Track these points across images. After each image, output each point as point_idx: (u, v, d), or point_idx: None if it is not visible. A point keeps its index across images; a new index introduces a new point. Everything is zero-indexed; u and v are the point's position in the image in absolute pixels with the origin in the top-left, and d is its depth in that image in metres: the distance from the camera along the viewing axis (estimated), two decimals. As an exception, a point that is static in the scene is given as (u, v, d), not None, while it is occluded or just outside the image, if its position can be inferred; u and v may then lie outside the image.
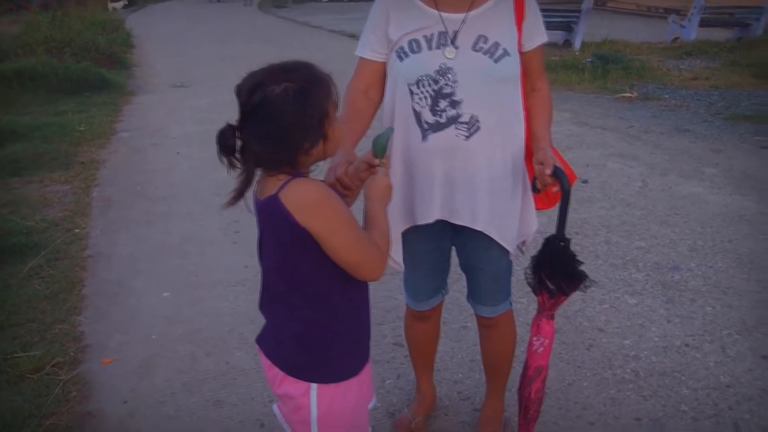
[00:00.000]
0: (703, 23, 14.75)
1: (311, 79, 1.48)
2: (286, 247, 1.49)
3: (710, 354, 3.06)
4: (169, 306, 3.54)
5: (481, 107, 1.97)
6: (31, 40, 11.63)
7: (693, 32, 14.48)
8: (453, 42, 1.98)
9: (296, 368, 1.60)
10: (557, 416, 2.65)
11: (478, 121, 1.98)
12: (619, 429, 2.58)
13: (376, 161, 1.68)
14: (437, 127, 1.99)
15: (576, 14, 13.82)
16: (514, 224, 2.13)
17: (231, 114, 1.52)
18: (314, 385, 1.59)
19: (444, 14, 2.00)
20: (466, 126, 1.98)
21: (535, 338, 2.12)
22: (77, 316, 3.40)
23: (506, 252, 2.15)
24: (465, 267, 2.30)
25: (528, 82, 2.10)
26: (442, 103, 1.97)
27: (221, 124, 1.47)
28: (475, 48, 1.97)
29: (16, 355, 3.00)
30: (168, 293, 3.68)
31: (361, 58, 2.13)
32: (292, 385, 1.60)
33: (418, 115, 2.01)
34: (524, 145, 2.10)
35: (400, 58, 2.02)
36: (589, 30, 13.88)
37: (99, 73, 10.07)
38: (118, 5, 29.81)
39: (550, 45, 13.26)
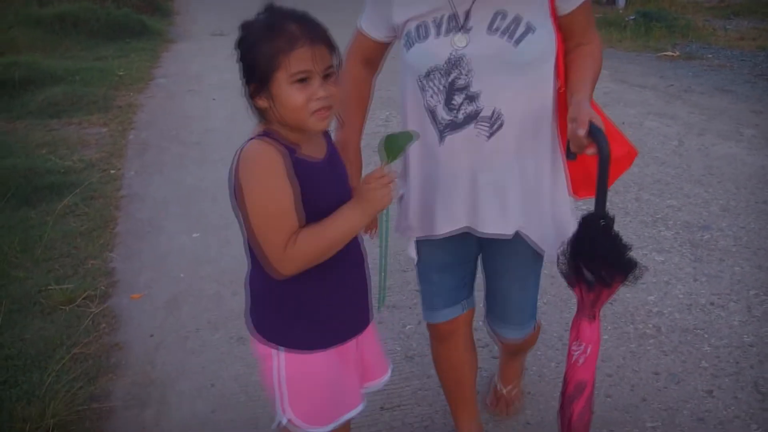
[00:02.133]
0: (756, -18, 14.22)
1: (276, 26, 1.39)
2: (233, 200, 1.46)
3: (735, 313, 3.04)
4: (198, 246, 3.63)
5: (503, 99, 1.67)
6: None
7: (743, -9, 13.96)
8: (465, 24, 1.65)
9: (256, 328, 1.56)
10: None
11: (501, 115, 1.68)
12: (636, 381, 2.60)
13: (384, 163, 1.45)
14: (454, 126, 1.71)
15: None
16: (554, 227, 1.85)
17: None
18: (275, 351, 1.53)
19: None
20: (487, 123, 1.69)
21: (574, 345, 1.70)
22: (109, 252, 3.50)
23: (540, 260, 1.89)
24: (490, 282, 2.02)
25: (571, 41, 1.76)
26: (458, 98, 1.68)
27: None
28: (491, 29, 1.64)
29: (50, 287, 3.11)
30: (197, 234, 3.77)
31: (360, 32, 1.88)
32: (257, 346, 1.57)
33: (432, 113, 1.74)
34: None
35: (407, 47, 1.74)
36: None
37: (140, 20, 10.13)
38: None
39: (592, 2, 13.03)
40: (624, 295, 3.17)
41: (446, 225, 1.84)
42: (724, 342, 2.83)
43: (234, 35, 1.43)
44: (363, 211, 1.43)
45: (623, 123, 5.77)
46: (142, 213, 4.03)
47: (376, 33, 1.85)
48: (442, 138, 1.74)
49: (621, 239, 1.63)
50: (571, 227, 1.72)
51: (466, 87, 1.67)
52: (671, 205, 4.18)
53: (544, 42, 1.68)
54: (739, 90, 6.97)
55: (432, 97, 1.72)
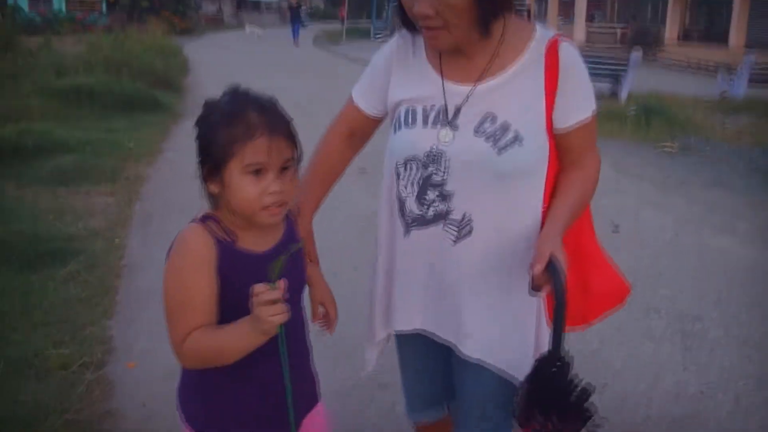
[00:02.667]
0: (753, 80, 14.66)
1: (235, 113, 1.36)
2: None
3: (724, 404, 3.05)
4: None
5: (476, 205, 1.58)
6: (92, 60, 12.13)
7: (742, 89, 14.37)
8: (453, 120, 1.58)
9: (181, 405, 1.54)
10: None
11: (471, 221, 1.59)
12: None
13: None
14: (422, 221, 1.63)
15: (624, 65, 13.87)
16: (522, 349, 1.67)
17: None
18: None
19: (447, 84, 1.61)
20: (455, 227, 1.60)
21: None
22: (108, 320, 3.54)
23: (509, 387, 1.66)
24: (457, 396, 1.84)
25: (567, 159, 1.64)
26: (431, 194, 1.60)
27: None
28: (477, 131, 1.56)
29: (46, 351, 3.14)
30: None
31: (351, 102, 1.82)
32: (181, 422, 1.54)
33: (402, 204, 1.66)
34: None
35: (394, 130, 1.68)
36: (638, 82, 13.86)
37: (152, 95, 10.44)
38: (258, 30, 30.96)
39: (596, 94, 13.24)
40: (614, 382, 3.19)
41: (403, 322, 1.76)
42: (712, 433, 2.84)
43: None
44: (253, 327, 1.28)
45: (620, 213, 5.89)
46: (142, 282, 4.09)
47: (367, 106, 1.79)
48: (408, 231, 1.67)
49: (576, 385, 1.53)
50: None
51: (441, 184, 1.59)
52: (664, 295, 4.23)
53: (531, 156, 1.57)
54: (735, 184, 7.13)
55: (405, 187, 1.65)
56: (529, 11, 35.66)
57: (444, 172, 1.58)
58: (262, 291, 1.24)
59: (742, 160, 8.33)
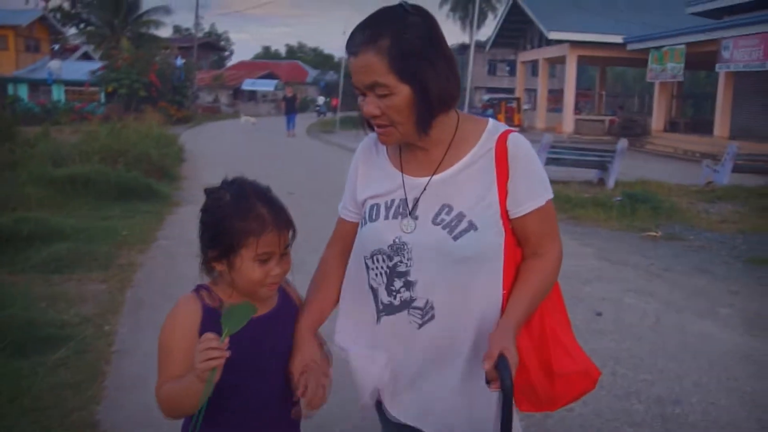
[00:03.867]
0: (737, 169, 15.03)
1: (246, 208, 1.59)
2: None
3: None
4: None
5: (437, 291, 1.67)
6: (89, 149, 12.47)
7: (726, 177, 14.72)
8: (413, 211, 1.70)
9: None
10: None
11: (432, 308, 1.68)
12: None
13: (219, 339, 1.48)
14: (391, 309, 1.73)
15: (611, 154, 14.27)
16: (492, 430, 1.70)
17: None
18: None
19: (407, 178, 1.74)
20: (419, 312, 1.69)
21: None
22: (96, 405, 3.59)
23: None
24: None
25: (527, 247, 1.75)
26: (397, 283, 1.70)
27: None
28: (435, 221, 1.68)
29: (35, 437, 3.18)
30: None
31: (339, 218, 1.94)
32: None
33: (375, 293, 1.76)
34: None
35: (361, 226, 1.81)
36: (626, 170, 14.22)
37: (148, 184, 10.67)
38: (252, 119, 31.77)
39: (583, 183, 13.83)
40: (594, 467, 3.24)
41: (391, 409, 1.80)
42: None
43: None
44: (192, 374, 1.49)
45: (603, 299, 6.01)
46: (131, 368, 4.15)
47: (349, 214, 1.89)
48: (378, 318, 1.76)
49: None
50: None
51: (405, 273, 1.69)
52: (645, 379, 4.30)
53: (486, 242, 1.67)
54: (717, 270, 7.28)
55: (375, 277, 1.74)
56: (518, 101, 36.78)
57: (408, 262, 1.69)
58: (203, 339, 1.46)
59: (724, 246, 8.53)
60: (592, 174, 14.42)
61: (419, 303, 1.69)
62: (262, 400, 1.69)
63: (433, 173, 1.72)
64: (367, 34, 1.60)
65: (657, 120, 27.42)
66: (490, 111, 36.08)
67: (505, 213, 1.70)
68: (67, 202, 9.18)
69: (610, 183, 13.77)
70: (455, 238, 1.65)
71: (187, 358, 1.53)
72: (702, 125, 25.44)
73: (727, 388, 4.19)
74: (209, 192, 1.64)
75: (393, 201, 1.74)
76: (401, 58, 1.57)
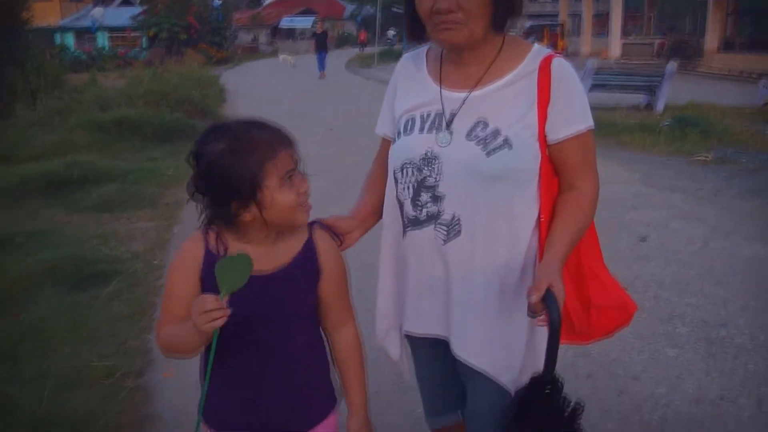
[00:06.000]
0: (798, 87, 14.41)
1: (247, 141, 1.47)
2: None
3: (745, 408, 3.09)
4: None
5: (465, 207, 1.65)
6: (133, 93, 12.61)
7: (786, 97, 14.12)
8: (449, 126, 1.68)
9: None
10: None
11: (459, 222, 1.66)
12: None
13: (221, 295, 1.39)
14: (416, 223, 1.71)
15: (659, 77, 13.83)
16: (512, 353, 1.71)
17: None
18: None
19: (445, 91, 1.72)
20: (445, 227, 1.67)
21: None
22: (147, 334, 3.74)
23: (501, 396, 1.72)
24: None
25: (564, 178, 1.71)
26: (424, 196, 1.69)
27: None
28: (469, 136, 1.65)
29: (93, 363, 3.35)
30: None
31: (380, 137, 1.94)
32: None
33: (401, 207, 1.75)
34: (535, 256, 1.70)
35: (394, 140, 1.80)
36: (676, 94, 13.69)
37: (191, 124, 10.77)
38: (290, 58, 31.52)
39: (630, 108, 13.46)
40: (633, 387, 3.26)
41: (414, 324, 1.82)
42: (731, 435, 2.88)
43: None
44: (195, 328, 1.39)
45: (649, 224, 5.93)
46: (180, 300, 4.29)
47: (389, 130, 1.87)
48: (404, 233, 1.75)
49: (565, 409, 1.63)
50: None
51: (433, 187, 1.67)
52: (689, 303, 4.27)
53: (520, 160, 1.64)
54: (769, 193, 7.09)
55: (403, 190, 1.73)
56: (562, 26, 35.72)
57: (437, 175, 1.66)
58: (201, 301, 1.37)
59: (778, 169, 8.28)
60: (639, 99, 14.01)
61: (445, 218, 1.67)
62: (286, 359, 1.60)
63: (473, 88, 1.69)
64: None
65: (711, 40, 26.29)
66: (532, 38, 35.25)
67: (543, 137, 1.66)
68: (114, 146, 9.37)
69: (659, 107, 13.33)
70: (488, 155, 1.62)
71: (186, 302, 1.47)
72: (761, 43, 24.12)
73: (771, 309, 4.14)
74: (198, 155, 1.49)
75: (429, 114, 1.72)
76: None
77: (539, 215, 1.69)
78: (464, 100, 1.68)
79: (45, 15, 32.12)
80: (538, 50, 1.72)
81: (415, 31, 1.73)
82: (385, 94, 1.90)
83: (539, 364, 1.63)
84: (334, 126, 9.81)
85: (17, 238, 5.17)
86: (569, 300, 1.68)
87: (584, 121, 1.68)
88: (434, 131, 1.69)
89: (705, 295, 4.39)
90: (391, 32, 46.97)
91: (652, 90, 13.84)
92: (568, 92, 1.66)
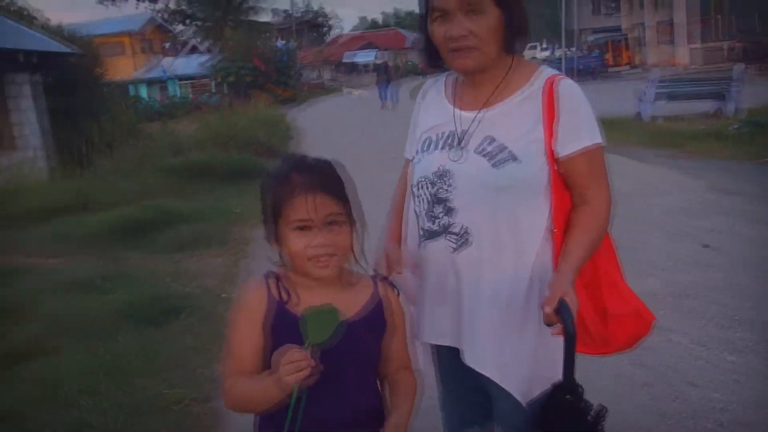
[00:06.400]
0: None
1: (285, 177, 1.51)
2: None
3: (805, 410, 3.05)
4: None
5: (474, 218, 1.75)
6: (203, 137, 13.17)
7: None
8: (461, 143, 1.80)
9: None
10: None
11: (468, 233, 1.75)
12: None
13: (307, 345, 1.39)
14: (431, 234, 1.81)
15: (727, 82, 13.52)
16: (521, 362, 1.76)
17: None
18: None
19: (458, 111, 1.84)
20: (455, 237, 1.77)
21: None
22: (215, 363, 3.94)
23: (523, 413, 1.77)
24: None
25: (575, 192, 1.79)
26: (437, 209, 1.79)
27: None
28: (477, 150, 1.76)
29: (164, 391, 3.57)
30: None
31: (406, 160, 2.03)
32: None
33: (418, 220, 1.86)
34: (544, 268, 1.76)
35: (415, 158, 1.92)
36: (749, 98, 13.22)
37: (257, 163, 11.18)
38: (355, 92, 31.86)
39: (699, 115, 13.12)
40: (689, 392, 3.25)
41: (429, 335, 1.88)
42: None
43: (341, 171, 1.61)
44: (274, 382, 1.39)
45: (712, 230, 5.84)
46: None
47: (411, 153, 1.98)
48: (420, 244, 1.84)
49: (587, 414, 1.68)
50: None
51: (446, 200, 1.77)
52: (751, 307, 4.20)
53: (527, 172, 1.72)
54: (841, 193, 6.87)
55: (419, 204, 1.84)
56: (626, 39, 35.20)
57: (449, 189, 1.77)
58: (288, 354, 1.35)
59: None
60: (709, 106, 13.69)
61: (456, 228, 1.76)
62: (333, 408, 1.56)
63: (483, 107, 1.80)
64: None
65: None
66: (596, 52, 34.81)
67: (551, 153, 1.74)
68: (186, 188, 9.80)
69: (729, 111, 13.04)
70: (495, 166, 1.72)
71: (251, 355, 1.49)
72: None
73: (839, 310, 4.04)
74: (267, 171, 1.58)
75: (444, 133, 1.84)
76: None
77: (552, 228, 1.77)
78: (475, 119, 1.80)
79: (120, 69, 33.78)
80: (544, 71, 1.83)
81: (432, 59, 1.87)
82: (412, 119, 2.03)
83: (553, 374, 1.68)
84: (396, 154, 9.98)
85: (97, 281, 5.50)
86: (585, 310, 1.75)
87: (591, 138, 1.76)
88: (447, 148, 1.81)
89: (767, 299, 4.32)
90: None
91: (721, 95, 13.53)
92: (572, 110, 1.75)
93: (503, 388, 1.77)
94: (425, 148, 1.87)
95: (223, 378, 1.53)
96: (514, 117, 1.77)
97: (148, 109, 30.11)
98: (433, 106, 1.94)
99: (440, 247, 1.79)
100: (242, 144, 12.72)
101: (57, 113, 12.91)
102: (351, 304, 1.57)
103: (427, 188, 1.81)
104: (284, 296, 1.53)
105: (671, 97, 13.59)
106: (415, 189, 1.86)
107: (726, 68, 14.92)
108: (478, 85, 1.84)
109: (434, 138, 1.86)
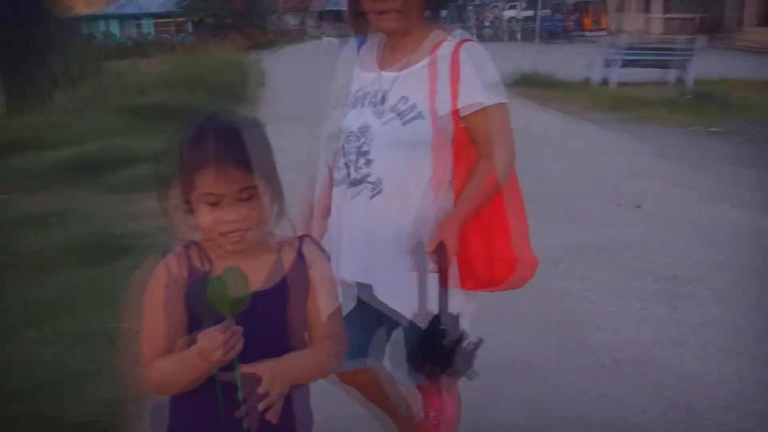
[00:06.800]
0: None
1: (197, 144, 1.35)
2: None
3: (692, 350, 3.38)
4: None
5: (387, 169, 1.96)
6: (172, 78, 13.10)
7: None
8: (382, 102, 2.00)
9: None
10: (528, 389, 3.07)
11: (381, 182, 1.97)
12: (579, 402, 2.99)
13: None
14: (354, 182, 2.02)
15: (688, 52, 13.82)
16: (425, 297, 1.98)
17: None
18: None
19: (381, 73, 2.05)
20: (372, 185, 1.98)
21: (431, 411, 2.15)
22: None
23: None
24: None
25: (478, 146, 1.99)
26: (361, 161, 2.00)
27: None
28: (393, 109, 1.97)
29: (110, 324, 3.76)
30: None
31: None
32: None
33: (347, 169, 2.04)
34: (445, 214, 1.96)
35: (341, 114, 2.09)
36: (710, 69, 13.71)
37: (223, 107, 11.20)
38: (334, 40, 31.50)
39: (661, 84, 13.42)
40: (593, 334, 3.57)
41: (346, 271, 2.05)
42: (677, 376, 3.15)
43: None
44: (199, 357, 1.29)
45: (647, 192, 6.14)
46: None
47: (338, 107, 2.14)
48: (346, 191, 2.04)
49: (461, 342, 1.92)
50: (457, 303, 1.97)
51: (366, 152, 1.99)
52: (666, 263, 4.52)
53: (431, 130, 1.93)
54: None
55: (348, 155, 2.03)
56: (605, 3, 35.13)
57: (369, 143, 1.99)
58: (210, 336, 1.26)
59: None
60: (671, 74, 13.97)
61: (372, 178, 1.98)
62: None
63: (401, 69, 2.01)
64: None
65: (749, 13, 25.80)
66: (576, 15, 34.85)
67: (455, 111, 1.95)
68: (150, 129, 9.83)
69: (688, 82, 13.37)
70: (404, 123, 1.95)
71: (173, 329, 1.38)
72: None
73: (745, 269, 4.40)
74: (183, 127, 1.42)
75: (369, 92, 2.04)
76: None
77: (452, 179, 1.98)
78: (394, 79, 2.01)
79: (89, 2, 32.90)
80: (456, 36, 2.04)
81: (358, 23, 2.08)
82: (334, 81, 2.19)
83: (453, 308, 1.94)
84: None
85: (50, 218, 5.54)
86: (474, 252, 2.00)
87: (491, 97, 1.95)
88: (371, 106, 2.02)
89: (685, 256, 4.64)
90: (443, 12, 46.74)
91: (683, 65, 13.82)
92: (474, 72, 1.94)
93: (406, 319, 2.00)
94: (351, 105, 2.07)
95: (143, 357, 1.39)
96: (425, 78, 1.96)
97: (121, 46, 29.53)
98: (358, 67, 2.13)
99: (360, 193, 2.01)
100: (212, 87, 12.68)
101: (14, 46, 12.58)
102: (267, 271, 1.46)
103: (354, 142, 2.01)
104: (206, 266, 1.43)
105: (636, 64, 13.86)
106: (344, 143, 2.05)
107: (688, 39, 15.17)
108: (399, 48, 2.05)
109: (360, 95, 2.06)
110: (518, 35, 33.73)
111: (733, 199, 5.89)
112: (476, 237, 2.01)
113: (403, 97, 1.97)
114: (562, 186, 6.43)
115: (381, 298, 2.02)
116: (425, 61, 1.99)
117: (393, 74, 2.02)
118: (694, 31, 27.47)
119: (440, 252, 1.86)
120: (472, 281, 2.01)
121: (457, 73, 1.94)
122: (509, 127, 2.01)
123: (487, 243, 2.04)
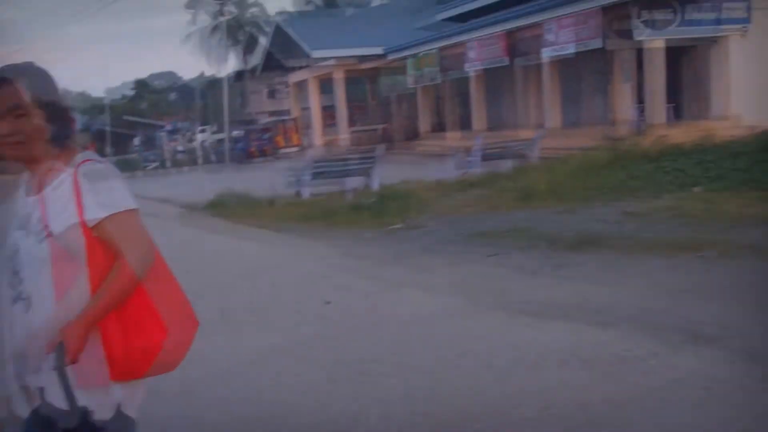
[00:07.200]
0: (486, 158, 16.60)
1: None
2: None
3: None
4: None
5: (32, 286, 2.15)
6: None
7: (478, 167, 16.20)
8: (27, 224, 2.20)
9: None
10: None
11: (30, 299, 2.15)
12: None
13: None
14: (15, 299, 2.19)
15: (371, 161, 15.42)
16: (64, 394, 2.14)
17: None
18: None
19: (27, 199, 2.26)
20: (25, 302, 2.16)
21: None
22: None
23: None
24: None
25: (113, 251, 2.16)
26: (16, 280, 2.18)
27: None
28: (32, 230, 2.17)
29: None
30: None
31: None
32: None
33: (10, 288, 2.20)
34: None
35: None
36: (393, 173, 15.32)
37: None
38: None
39: (351, 191, 14.77)
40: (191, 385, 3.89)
41: (30, 378, 2.19)
42: None
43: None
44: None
45: (336, 288, 6.75)
46: None
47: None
48: (14, 307, 2.19)
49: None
50: (106, 398, 2.17)
51: (18, 272, 2.17)
52: (355, 340, 5.06)
53: (63, 245, 2.13)
54: (443, 249, 8.37)
55: (7, 275, 2.20)
56: (295, 121, 37.46)
57: (19, 263, 2.18)
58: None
59: (453, 227, 9.76)
60: (357, 181, 15.39)
61: (24, 295, 2.16)
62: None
63: (39, 192, 2.22)
64: None
65: (423, 122, 29.71)
66: (270, 134, 36.75)
67: (83, 224, 2.14)
68: None
69: (374, 187, 14.76)
70: (39, 242, 2.14)
71: None
72: (467, 122, 27.50)
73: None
74: None
75: (21, 216, 2.24)
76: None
77: (89, 287, 2.16)
78: (34, 202, 2.21)
79: None
80: (80, 157, 2.25)
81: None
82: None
83: (92, 403, 2.15)
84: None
85: None
86: (114, 346, 2.17)
87: (112, 207, 2.16)
88: (21, 230, 2.21)
89: (364, 336, 5.23)
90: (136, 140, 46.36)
91: (367, 173, 15.35)
92: (92, 186, 2.16)
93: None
94: (15, 229, 2.24)
95: None
96: (55, 199, 2.18)
97: None
98: (26, 190, 2.32)
99: (19, 309, 2.18)
100: None
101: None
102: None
103: (9, 263, 2.20)
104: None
105: (326, 176, 15.16)
106: (6, 263, 2.22)
107: (370, 149, 17.03)
108: (37, 174, 2.29)
109: (18, 219, 2.25)
110: (212, 157, 34.84)
111: (413, 284, 6.82)
112: (116, 332, 2.18)
113: (38, 219, 2.17)
114: (260, 295, 6.88)
115: (48, 399, 2.17)
116: (55, 183, 2.21)
117: (33, 198, 2.23)
118: (378, 141, 30.64)
119: (58, 351, 2.06)
120: (118, 372, 2.18)
121: (79, 191, 2.16)
122: (138, 229, 2.24)
123: (128, 337, 2.20)
